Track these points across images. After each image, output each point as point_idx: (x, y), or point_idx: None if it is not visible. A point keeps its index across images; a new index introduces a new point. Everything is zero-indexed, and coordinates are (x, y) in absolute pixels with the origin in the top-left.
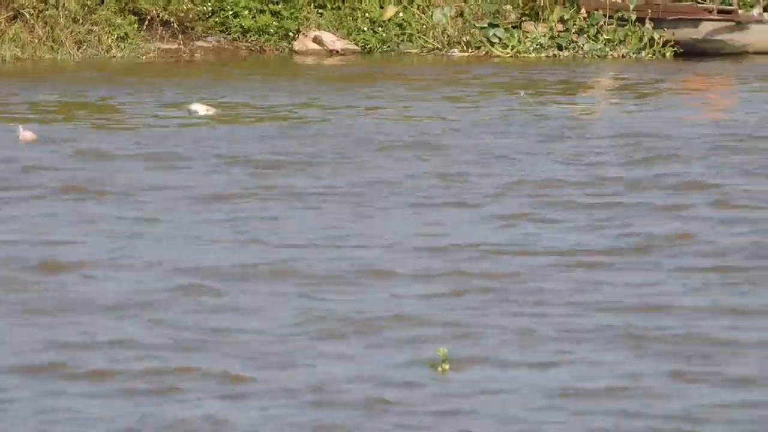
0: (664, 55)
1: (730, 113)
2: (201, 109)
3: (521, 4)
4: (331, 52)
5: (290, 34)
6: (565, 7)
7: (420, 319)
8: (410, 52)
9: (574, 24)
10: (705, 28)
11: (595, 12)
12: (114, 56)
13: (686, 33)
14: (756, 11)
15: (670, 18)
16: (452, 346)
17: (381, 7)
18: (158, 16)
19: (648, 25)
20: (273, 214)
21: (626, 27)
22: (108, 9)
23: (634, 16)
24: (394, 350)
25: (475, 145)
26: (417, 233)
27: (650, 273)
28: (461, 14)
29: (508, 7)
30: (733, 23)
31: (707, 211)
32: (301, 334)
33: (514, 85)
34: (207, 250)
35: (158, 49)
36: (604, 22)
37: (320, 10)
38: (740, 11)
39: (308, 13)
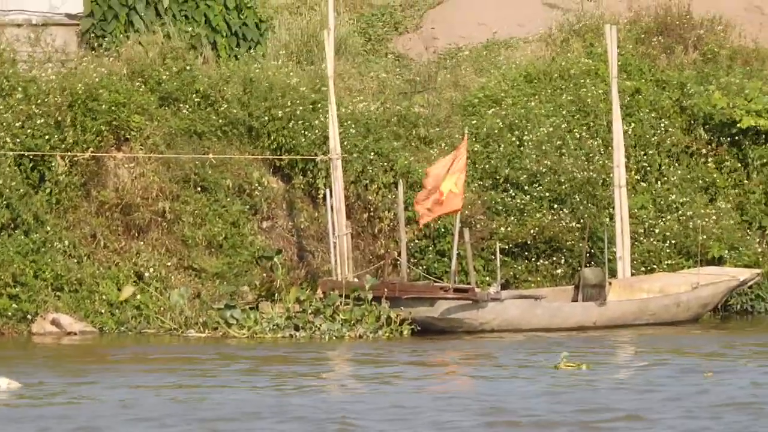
0: (401, 334)
1: (459, 391)
2: (3, 383)
3: (258, 286)
4: (69, 334)
5: (28, 316)
6: (302, 288)
7: None
8: (148, 333)
9: (311, 305)
10: (441, 307)
11: (332, 292)
12: None
13: (423, 311)
14: (493, 289)
15: (405, 297)
16: None
17: (118, 290)
18: None
19: (384, 304)
20: None
21: (363, 306)
22: None
23: (370, 296)
24: None
25: None
26: None
27: None
28: (198, 295)
29: (246, 288)
30: (470, 301)
31: None
32: None
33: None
34: None
35: None
36: (341, 302)
37: (58, 293)
38: (477, 290)
39: (46, 296)
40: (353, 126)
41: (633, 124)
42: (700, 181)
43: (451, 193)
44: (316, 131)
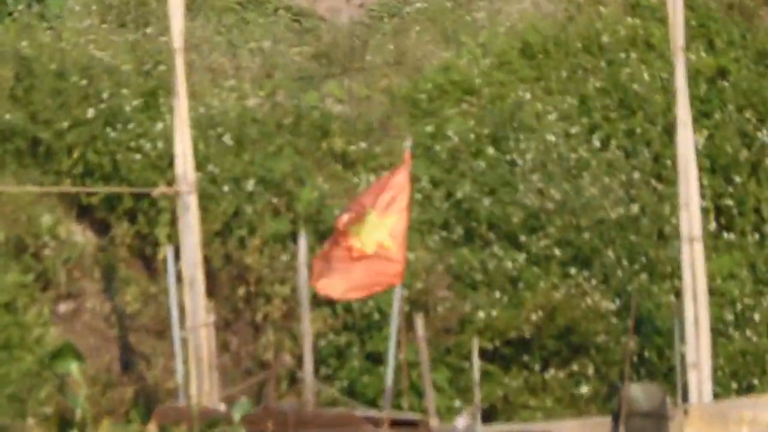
0: None
1: None
2: None
3: (50, 416)
4: None
5: None
6: (126, 421)
7: None
8: None
9: None
10: None
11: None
12: None
13: None
14: (463, 420)
15: None
16: None
17: None
18: None
19: None
20: None
21: None
22: None
23: None
24: None
25: None
26: None
27: None
28: None
29: (30, 420)
30: None
31: None
32: None
33: None
34: None
35: None
36: None
37: None
38: (434, 422)
39: None
40: (219, 133)
41: (707, 130)
42: None
43: (382, 250)
44: (152, 147)
